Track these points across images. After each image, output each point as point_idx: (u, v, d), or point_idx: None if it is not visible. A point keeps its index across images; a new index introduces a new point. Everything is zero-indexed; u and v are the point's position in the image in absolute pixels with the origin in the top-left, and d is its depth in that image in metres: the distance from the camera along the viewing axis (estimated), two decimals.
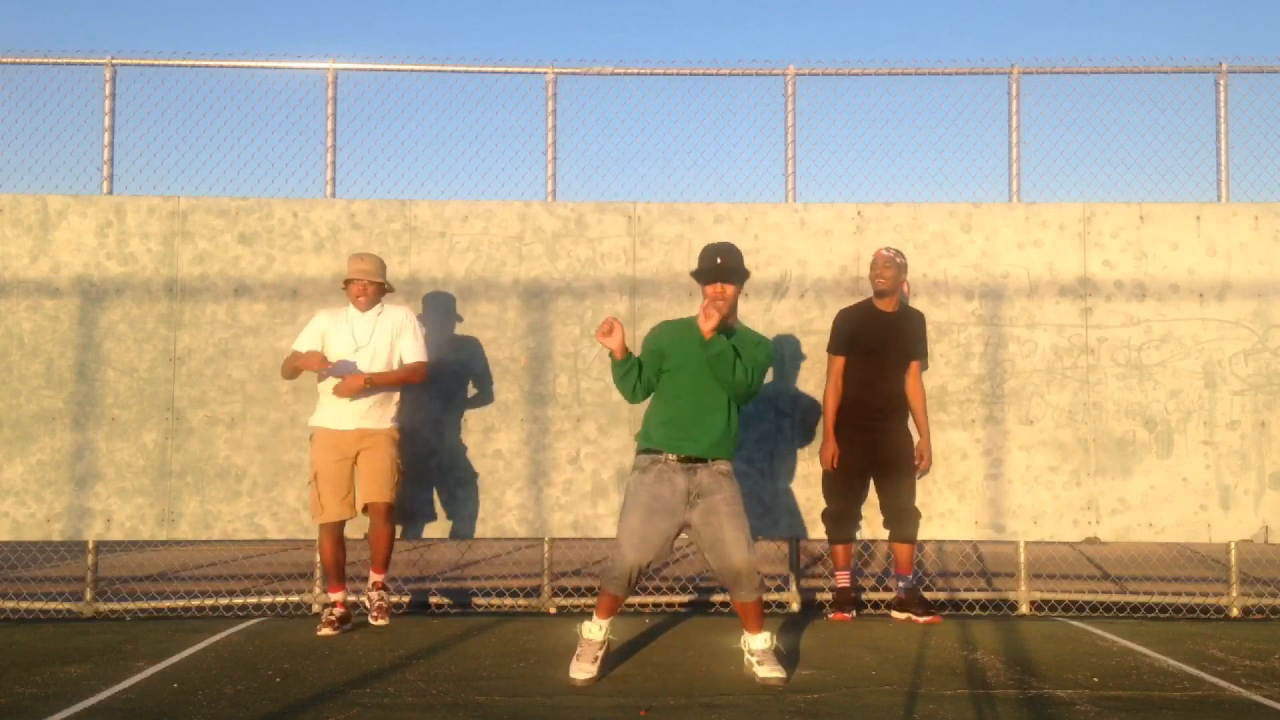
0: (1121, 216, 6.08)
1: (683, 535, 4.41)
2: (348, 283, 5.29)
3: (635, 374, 4.37)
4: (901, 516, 5.57)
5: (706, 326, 4.13)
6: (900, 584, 5.65)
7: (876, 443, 5.55)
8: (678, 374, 4.39)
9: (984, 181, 6.24)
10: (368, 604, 5.30)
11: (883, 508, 5.65)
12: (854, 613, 5.67)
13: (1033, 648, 4.93)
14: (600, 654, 4.30)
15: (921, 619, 5.47)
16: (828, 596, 6.17)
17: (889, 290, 5.54)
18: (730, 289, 4.36)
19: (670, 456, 4.32)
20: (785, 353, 6.01)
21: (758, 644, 4.36)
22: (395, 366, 5.29)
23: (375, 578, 5.30)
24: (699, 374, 4.32)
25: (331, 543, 5.23)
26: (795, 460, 5.97)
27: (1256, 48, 29.92)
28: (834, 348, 5.65)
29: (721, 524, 4.24)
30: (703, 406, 4.34)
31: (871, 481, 5.69)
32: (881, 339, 5.55)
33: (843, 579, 5.69)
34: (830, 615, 5.65)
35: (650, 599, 6.18)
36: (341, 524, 5.24)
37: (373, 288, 5.24)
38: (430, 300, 5.99)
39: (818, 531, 5.89)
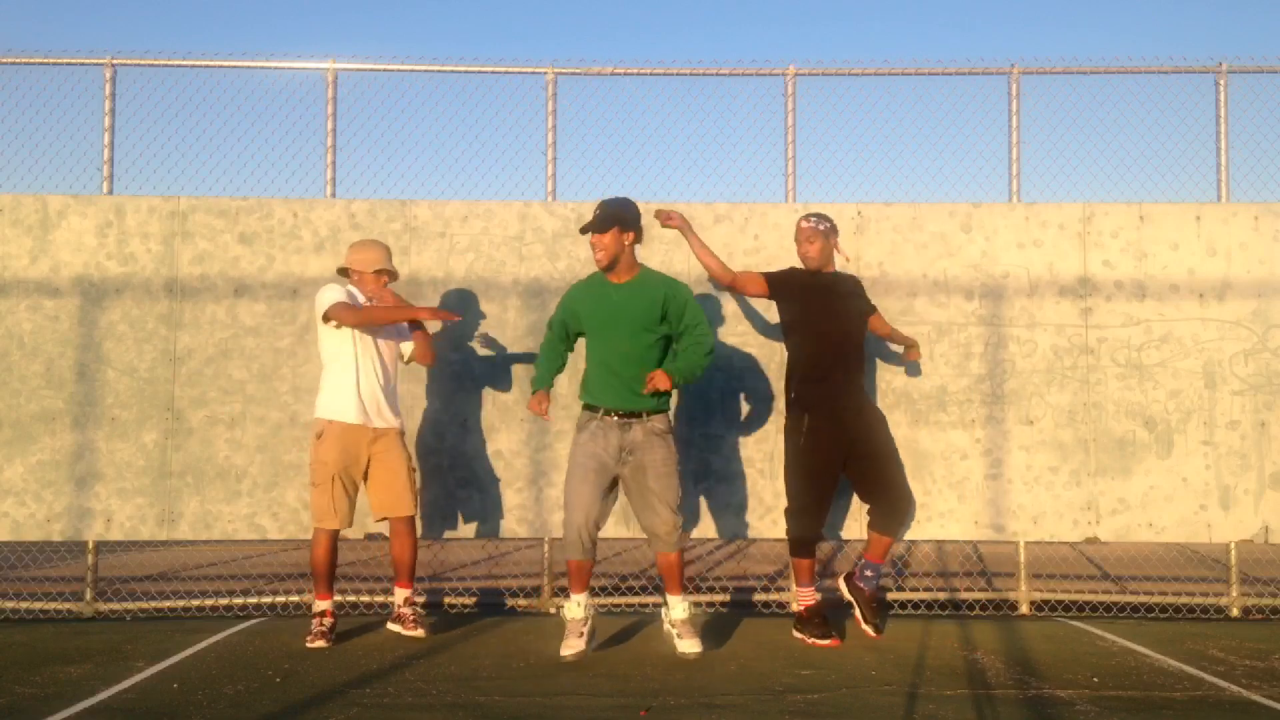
0: (1121, 217, 6.08)
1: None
2: (346, 271, 5.17)
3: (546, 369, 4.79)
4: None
5: (653, 388, 4.46)
6: (869, 572, 5.02)
7: (848, 424, 4.95)
8: (593, 333, 4.68)
9: (984, 181, 6.24)
10: (399, 620, 5.10)
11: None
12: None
13: (1033, 648, 4.93)
14: (585, 630, 4.47)
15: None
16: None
17: (822, 266, 5.10)
18: (605, 238, 4.53)
19: (605, 412, 4.57)
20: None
21: (677, 613, 4.55)
22: (399, 357, 5.24)
23: (403, 593, 5.11)
24: (612, 331, 4.59)
25: (327, 548, 4.99)
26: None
27: (1256, 48, 29.94)
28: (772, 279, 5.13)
29: (648, 484, 4.52)
30: (625, 360, 4.57)
31: (855, 472, 5.06)
32: (831, 303, 5.05)
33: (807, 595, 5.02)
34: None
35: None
36: (338, 531, 5.04)
37: (369, 278, 5.07)
38: (429, 301, 5.98)
39: None
